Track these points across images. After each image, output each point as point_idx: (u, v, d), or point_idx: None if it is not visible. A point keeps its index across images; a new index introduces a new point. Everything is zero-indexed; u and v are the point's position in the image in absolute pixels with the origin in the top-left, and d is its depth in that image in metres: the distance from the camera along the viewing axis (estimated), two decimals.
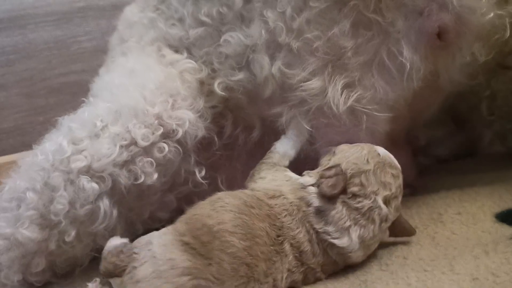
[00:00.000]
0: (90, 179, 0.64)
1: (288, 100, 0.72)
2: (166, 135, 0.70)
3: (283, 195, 0.61)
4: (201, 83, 0.77)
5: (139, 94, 0.70)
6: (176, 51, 0.79)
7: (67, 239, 0.64)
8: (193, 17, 0.77)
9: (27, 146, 1.27)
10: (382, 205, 0.60)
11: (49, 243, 0.64)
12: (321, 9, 0.65)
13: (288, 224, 0.58)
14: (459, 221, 0.67)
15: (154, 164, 0.68)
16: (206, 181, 0.75)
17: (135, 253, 0.54)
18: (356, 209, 0.59)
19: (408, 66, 0.65)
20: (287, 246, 0.57)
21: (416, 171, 0.81)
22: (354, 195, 0.59)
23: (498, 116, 0.80)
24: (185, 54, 0.78)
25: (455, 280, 0.53)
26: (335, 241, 0.58)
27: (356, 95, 0.68)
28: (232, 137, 0.81)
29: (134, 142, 0.67)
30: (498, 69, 0.76)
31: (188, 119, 0.71)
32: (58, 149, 0.66)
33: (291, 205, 0.60)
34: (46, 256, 0.65)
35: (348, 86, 0.68)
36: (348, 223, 0.58)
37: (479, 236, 0.63)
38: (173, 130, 0.70)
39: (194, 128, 0.72)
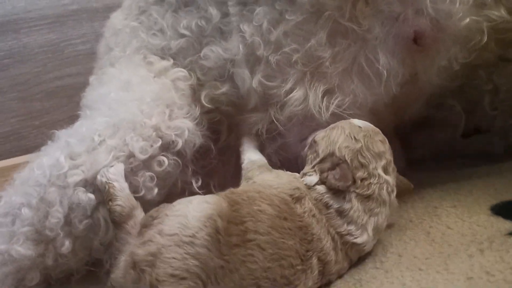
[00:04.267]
0: (85, 190, 0.63)
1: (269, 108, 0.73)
2: (166, 147, 0.69)
3: (306, 195, 0.59)
4: (193, 89, 0.78)
5: (136, 107, 0.69)
6: (162, 58, 0.79)
7: (64, 252, 0.63)
8: (173, 29, 0.77)
9: (23, 150, 1.32)
10: (386, 177, 0.59)
11: (45, 258, 0.63)
12: (297, 21, 0.66)
13: (318, 235, 0.56)
14: (454, 215, 0.66)
15: (155, 179, 0.67)
16: (202, 191, 0.74)
17: (172, 205, 0.52)
18: (368, 197, 0.58)
19: (385, 73, 0.66)
20: (314, 260, 0.55)
21: (405, 163, 0.80)
22: (362, 180, 0.58)
23: (501, 111, 0.79)
24: (172, 61, 0.78)
25: (450, 279, 0.52)
26: (357, 240, 0.58)
27: (336, 101, 0.69)
28: (226, 141, 0.81)
29: (132, 155, 0.65)
30: (499, 62, 0.75)
31: (187, 127, 0.71)
32: (55, 164, 0.64)
33: (316, 207, 0.58)
34: (41, 270, 0.64)
35: (328, 93, 0.70)
36: (365, 219, 0.58)
37: (475, 231, 0.62)
38: (173, 141, 0.69)
39: (192, 136, 0.72)
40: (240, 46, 0.71)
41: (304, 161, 0.66)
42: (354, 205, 0.58)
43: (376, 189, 0.59)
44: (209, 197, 0.53)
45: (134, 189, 0.64)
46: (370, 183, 0.59)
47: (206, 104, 0.76)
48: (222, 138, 0.81)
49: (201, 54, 0.75)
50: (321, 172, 0.60)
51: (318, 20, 0.66)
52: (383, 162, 0.60)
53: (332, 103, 0.69)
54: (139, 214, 0.56)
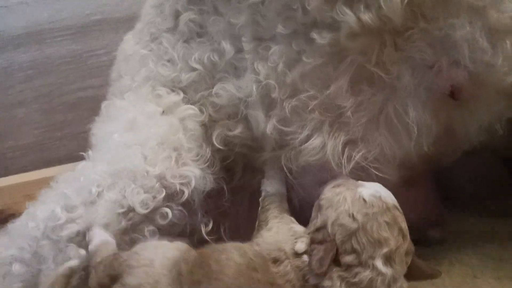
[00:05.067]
0: (77, 246, 0.59)
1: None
2: (170, 198, 0.64)
3: (287, 258, 0.54)
4: (205, 127, 0.72)
5: (140, 153, 0.64)
6: (172, 90, 0.74)
7: None
8: (184, 60, 0.72)
9: (46, 162, 1.31)
10: (384, 269, 0.52)
11: None
12: (315, 64, 0.59)
13: None
14: None
15: (157, 233, 0.62)
16: (211, 237, 0.69)
17: (136, 252, 0.51)
18: (355, 284, 0.52)
19: (416, 129, 0.58)
20: None
21: (442, 207, 0.74)
22: (350, 267, 0.52)
23: None
24: (182, 95, 0.73)
25: None
26: None
27: (360, 154, 0.62)
28: (240, 181, 0.76)
29: (132, 209, 0.61)
30: None
31: (194, 176, 0.65)
32: (51, 217, 0.60)
33: (295, 275, 0.54)
34: None
35: (350, 144, 0.63)
36: None
37: None
38: (178, 192, 0.64)
39: (201, 183, 0.67)
40: (254, 87, 0.64)
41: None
42: (335, 285, 0.51)
43: (365, 281, 0.51)
44: (180, 244, 0.53)
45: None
46: (359, 272, 0.51)
47: (218, 145, 0.70)
48: (236, 177, 0.75)
49: (213, 91, 0.69)
50: (311, 242, 0.54)
51: (340, 64, 0.58)
52: (384, 250, 0.52)
53: (355, 156, 0.62)
54: None
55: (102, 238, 0.57)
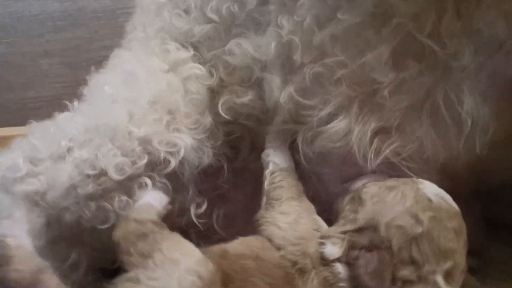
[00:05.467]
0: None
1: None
2: (153, 167, 0.55)
3: (314, 267, 0.43)
4: (212, 91, 0.62)
5: (126, 110, 0.55)
6: (183, 45, 0.64)
7: None
8: (200, 10, 0.61)
9: None
10: (443, 285, 0.40)
11: None
12: (351, 24, 0.46)
13: None
14: None
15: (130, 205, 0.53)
16: (201, 221, 0.61)
17: (161, 250, 0.43)
18: None
19: (470, 123, 0.45)
20: None
21: (485, 235, 0.61)
22: (405, 283, 0.40)
23: None
24: (192, 52, 0.62)
25: None
26: None
27: (393, 146, 0.50)
28: (245, 162, 0.65)
29: (104, 173, 0.52)
30: None
31: (184, 145, 0.56)
32: (12, 166, 0.52)
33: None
34: None
35: (382, 133, 0.50)
36: None
37: None
38: (162, 161, 0.55)
39: (195, 155, 0.58)
40: (273, 45, 0.53)
41: (337, 214, 0.49)
42: None
43: None
44: (202, 269, 0.41)
45: (103, 218, 0.52)
46: None
47: (224, 115, 0.60)
48: (240, 156, 0.64)
49: (227, 48, 0.58)
50: (351, 247, 0.42)
51: (383, 28, 0.46)
52: (447, 264, 0.40)
53: (386, 148, 0.50)
54: (49, 279, 0.41)
55: (150, 201, 0.51)
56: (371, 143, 0.50)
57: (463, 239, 0.42)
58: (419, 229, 0.41)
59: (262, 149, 0.61)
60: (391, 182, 0.46)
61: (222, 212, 0.65)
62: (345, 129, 0.51)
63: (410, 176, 0.50)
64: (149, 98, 0.56)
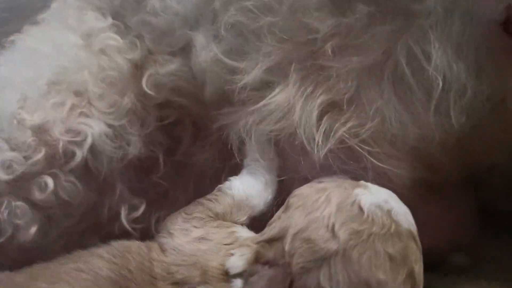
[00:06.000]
0: None
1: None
2: (53, 162, 0.45)
3: (204, 282, 0.35)
4: (135, 67, 0.51)
5: (18, 93, 0.46)
6: (103, 14, 0.54)
7: None
8: None
9: None
10: None
11: None
12: None
13: None
14: None
15: (31, 212, 0.45)
16: (135, 226, 0.51)
17: None
18: None
19: (441, 83, 0.34)
20: None
21: (477, 227, 0.52)
22: None
23: None
24: (110, 20, 0.53)
25: None
26: None
27: (346, 126, 0.40)
28: (187, 153, 0.55)
29: None
30: None
31: (91, 132, 0.46)
32: None
33: None
34: None
35: (331, 108, 0.40)
36: None
37: None
38: (63, 154, 0.45)
39: (113, 145, 0.48)
40: None
41: None
42: None
43: None
44: None
45: None
46: None
47: (148, 91, 0.49)
48: (181, 148, 0.53)
49: (148, 7, 0.49)
50: (255, 260, 0.34)
51: None
52: None
53: (339, 129, 0.39)
54: None
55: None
56: (318, 122, 0.39)
57: (407, 270, 0.32)
58: (333, 246, 0.31)
59: (208, 138, 0.52)
60: (327, 183, 0.37)
61: (162, 215, 0.53)
62: (285, 105, 0.40)
63: (375, 169, 0.40)
64: (49, 78, 0.47)
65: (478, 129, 0.38)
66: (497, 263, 0.52)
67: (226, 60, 0.43)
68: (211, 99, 0.47)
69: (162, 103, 0.51)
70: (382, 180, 0.40)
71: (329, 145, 0.39)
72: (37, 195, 0.45)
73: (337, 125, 0.39)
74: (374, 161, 0.40)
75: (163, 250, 0.39)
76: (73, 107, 0.47)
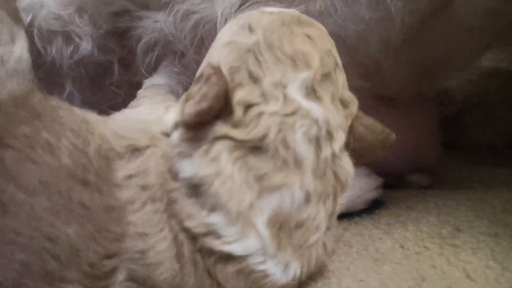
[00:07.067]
0: None
1: None
2: None
3: (151, 145, 0.34)
4: None
5: None
6: None
7: None
8: None
9: None
10: (306, 104, 0.31)
11: None
12: None
13: (140, 226, 0.31)
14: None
15: None
16: None
17: None
18: (257, 149, 0.30)
19: None
20: (121, 277, 0.30)
21: (437, 153, 0.52)
22: (247, 108, 0.31)
23: None
24: None
25: None
26: (231, 248, 0.30)
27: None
28: (141, 75, 0.52)
29: None
30: None
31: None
32: None
33: (161, 176, 0.32)
34: None
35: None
36: (247, 200, 0.30)
37: None
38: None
39: (60, 29, 0.48)
40: None
41: None
42: (224, 169, 0.30)
43: (273, 130, 0.30)
44: None
45: None
46: (262, 113, 0.31)
47: None
48: (134, 63, 0.51)
49: None
50: (186, 99, 0.32)
51: None
52: (303, 74, 0.31)
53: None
54: None
55: None
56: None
57: (326, 49, 0.33)
58: (253, 38, 0.33)
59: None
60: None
61: None
62: None
63: None
64: None
65: (424, 32, 0.35)
66: (462, 181, 0.52)
67: None
68: None
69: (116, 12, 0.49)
70: None
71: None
72: None
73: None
74: None
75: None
76: None
